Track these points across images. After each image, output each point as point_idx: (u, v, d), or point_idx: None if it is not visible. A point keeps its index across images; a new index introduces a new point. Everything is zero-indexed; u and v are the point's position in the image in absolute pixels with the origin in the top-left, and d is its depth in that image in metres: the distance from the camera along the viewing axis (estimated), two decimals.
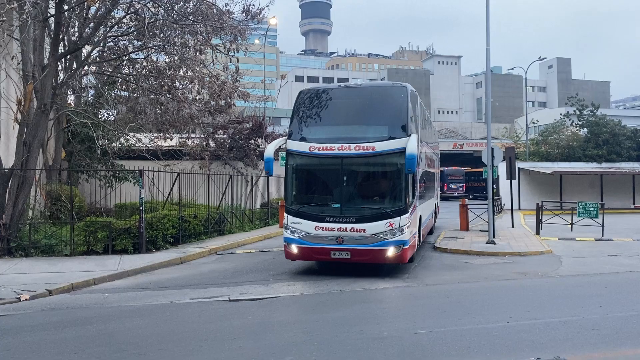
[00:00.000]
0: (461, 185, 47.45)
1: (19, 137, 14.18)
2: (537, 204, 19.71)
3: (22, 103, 14.21)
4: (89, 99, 19.88)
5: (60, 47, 15.02)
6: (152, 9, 15.37)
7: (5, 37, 14.21)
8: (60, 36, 14.92)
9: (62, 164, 18.18)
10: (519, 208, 30.16)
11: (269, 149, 11.50)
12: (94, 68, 18.91)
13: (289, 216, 11.29)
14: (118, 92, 20.53)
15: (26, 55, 14.82)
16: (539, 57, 46.67)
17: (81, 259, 12.76)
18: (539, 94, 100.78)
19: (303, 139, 11.38)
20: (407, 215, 10.75)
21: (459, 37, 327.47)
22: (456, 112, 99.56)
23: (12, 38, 14.73)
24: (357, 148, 10.77)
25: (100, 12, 16.36)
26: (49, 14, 14.31)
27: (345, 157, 10.86)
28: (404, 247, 10.71)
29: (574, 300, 8.89)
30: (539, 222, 18.82)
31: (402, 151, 10.50)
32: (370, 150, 10.73)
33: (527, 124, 42.10)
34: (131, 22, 16.82)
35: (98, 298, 9.29)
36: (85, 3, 14.32)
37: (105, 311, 8.32)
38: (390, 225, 10.56)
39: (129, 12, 15.90)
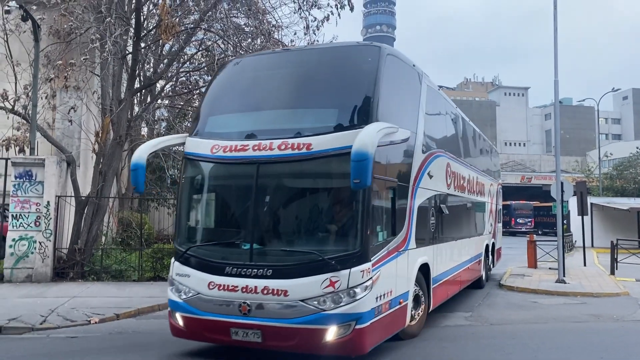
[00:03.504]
0: (529, 220, 45.78)
1: (96, 167, 15.05)
2: (612, 242, 18.68)
3: (100, 135, 15.11)
4: (162, 130, 20.90)
5: (136, 82, 15.95)
6: (222, 46, 16.10)
7: (87, 73, 15.28)
8: (137, 72, 15.85)
9: (133, 192, 19.08)
10: (592, 246, 28.66)
11: (141, 150, 7.23)
12: (167, 102, 19.95)
13: (175, 263, 7.03)
14: (189, 125, 21.46)
15: (105, 90, 15.82)
16: (613, 89, 44.95)
17: (148, 284, 13.21)
18: (612, 126, 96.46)
19: (206, 135, 7.27)
20: (367, 265, 6.23)
21: (526, 68, 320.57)
22: (524, 144, 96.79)
23: (93, 74, 15.80)
24: (284, 147, 6.49)
25: (173, 49, 17.35)
26: (127, 52, 15.27)
27: (262, 163, 6.58)
28: (359, 327, 6.11)
29: None
30: (613, 261, 17.79)
31: None
32: (304, 150, 6.40)
33: (599, 157, 40.33)
34: (202, 58, 17.69)
35: (161, 324, 9.55)
36: (160, 41, 15.21)
37: (165, 337, 8.53)
38: (331, 284, 6.08)
39: (200, 48, 16.77)
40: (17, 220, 13.13)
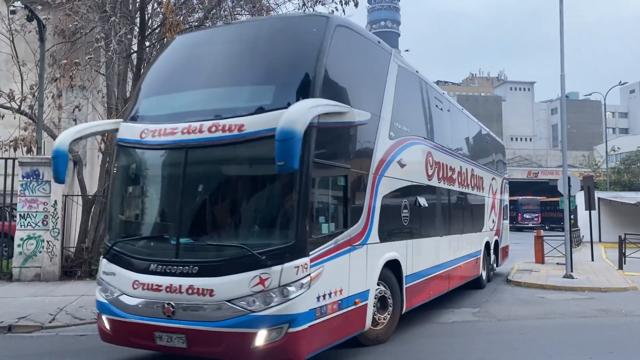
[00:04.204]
0: (536, 215, 45.66)
1: (102, 166, 15.09)
2: (620, 236, 18.59)
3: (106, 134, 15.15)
4: None
5: None
6: None
7: (93, 72, 15.31)
8: (142, 70, 15.88)
9: None
10: (599, 240, 28.54)
11: (63, 137, 6.58)
12: None
13: (103, 260, 6.45)
14: None
15: (110, 89, 15.85)
16: (620, 82, 44.66)
17: None
18: (620, 120, 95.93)
19: (138, 119, 6.69)
20: (304, 260, 5.53)
21: (531, 63, 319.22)
22: (530, 139, 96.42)
23: (98, 73, 15.84)
24: (214, 129, 5.85)
25: None
26: (132, 50, 15.30)
27: (191, 147, 5.97)
28: (292, 331, 5.40)
29: None
30: (621, 255, 17.71)
31: None
32: (236, 132, 5.75)
33: (607, 152, 40.09)
34: None
35: None
36: (165, 39, 15.21)
37: None
38: (261, 282, 5.41)
39: None
40: (25, 220, 13.19)
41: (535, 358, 7.08)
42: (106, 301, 6.18)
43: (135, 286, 5.88)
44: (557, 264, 18.17)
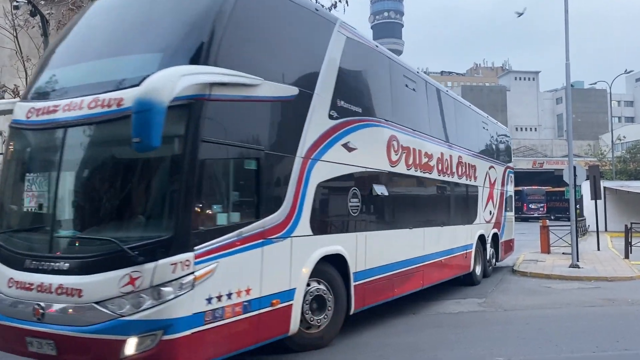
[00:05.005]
0: (542, 205, 45.56)
1: None
2: (626, 225, 18.57)
3: None
4: None
5: None
6: None
7: None
8: None
9: None
10: (605, 230, 28.48)
11: None
12: None
13: None
14: None
15: None
16: (625, 70, 44.42)
17: None
18: (625, 109, 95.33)
19: (30, 97, 5.97)
20: (185, 256, 4.75)
21: (536, 52, 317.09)
22: (535, 129, 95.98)
23: None
24: (94, 104, 5.13)
25: None
26: None
27: (71, 126, 5.27)
28: (168, 338, 4.65)
29: None
30: (628, 245, 17.67)
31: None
32: (114, 108, 5.01)
33: (612, 141, 39.89)
34: None
35: None
36: None
37: None
38: (131, 281, 4.67)
39: None
40: None
41: (542, 347, 7.08)
42: None
43: (10, 284, 5.18)
44: (563, 253, 18.14)
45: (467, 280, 12.19)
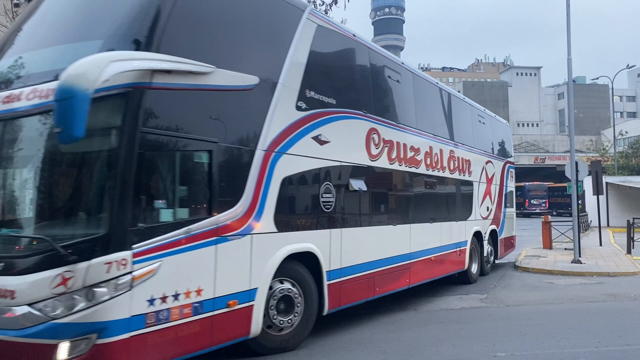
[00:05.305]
0: (544, 201, 45.56)
1: None
2: (628, 221, 18.53)
3: None
4: None
5: None
6: None
7: None
8: None
9: None
10: (607, 225, 28.46)
11: None
12: None
13: None
14: None
15: None
16: (627, 65, 44.20)
17: None
18: (627, 104, 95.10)
19: None
20: (122, 255, 4.48)
21: (538, 47, 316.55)
22: (537, 124, 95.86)
23: None
24: (32, 95, 4.91)
25: None
26: None
27: (9, 118, 5.07)
28: (102, 342, 4.36)
29: None
30: (630, 240, 17.64)
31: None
32: (44, 100, 4.76)
33: (614, 136, 39.82)
34: None
35: None
36: None
37: None
38: (63, 282, 4.40)
39: None
40: None
41: (544, 343, 7.07)
42: None
43: None
44: (565, 249, 18.14)
45: (462, 279, 11.88)
